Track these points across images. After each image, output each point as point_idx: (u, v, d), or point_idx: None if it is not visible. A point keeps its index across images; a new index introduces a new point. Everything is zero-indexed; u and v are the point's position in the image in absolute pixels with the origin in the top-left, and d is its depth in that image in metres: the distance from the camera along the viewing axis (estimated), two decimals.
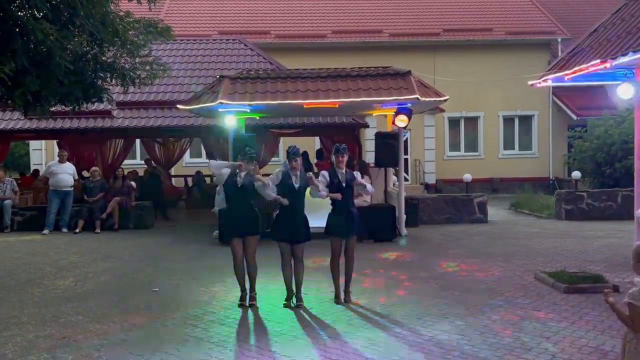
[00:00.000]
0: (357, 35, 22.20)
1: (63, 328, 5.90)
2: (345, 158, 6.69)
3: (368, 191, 6.90)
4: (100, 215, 12.80)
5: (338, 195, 6.54)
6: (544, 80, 8.55)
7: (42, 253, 10.26)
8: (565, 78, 7.91)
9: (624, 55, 6.50)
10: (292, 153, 6.49)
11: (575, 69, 7.53)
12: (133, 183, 13.92)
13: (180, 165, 19.25)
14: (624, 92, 7.27)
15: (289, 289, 6.61)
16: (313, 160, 15.89)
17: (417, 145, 21.34)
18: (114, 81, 8.58)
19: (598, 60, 6.92)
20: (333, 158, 6.72)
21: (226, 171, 6.55)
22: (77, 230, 12.53)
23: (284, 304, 6.58)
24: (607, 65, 6.73)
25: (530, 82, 9.04)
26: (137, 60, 8.78)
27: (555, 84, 10.20)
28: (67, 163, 13.28)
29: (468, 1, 23.94)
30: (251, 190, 6.51)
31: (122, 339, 5.54)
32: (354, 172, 6.89)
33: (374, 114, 13.68)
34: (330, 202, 6.71)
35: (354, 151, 14.84)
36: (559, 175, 22.22)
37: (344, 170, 6.67)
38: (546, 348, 5.12)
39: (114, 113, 15.08)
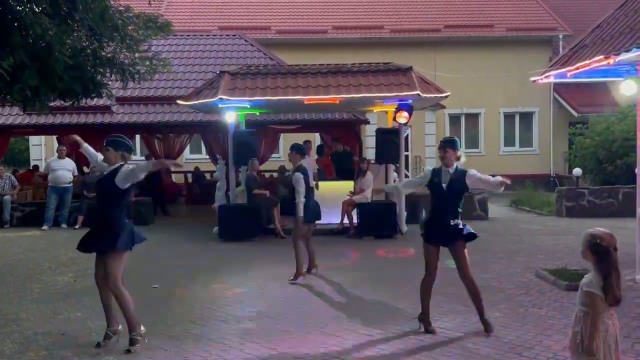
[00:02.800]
0: (358, 31, 22.10)
1: (62, 324, 5.86)
2: (450, 153, 5.43)
3: (491, 183, 5.60)
4: None
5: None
6: (546, 77, 8.51)
7: (42, 249, 10.23)
8: (568, 74, 7.86)
9: (627, 51, 6.44)
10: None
11: (578, 65, 7.48)
12: None
13: (180, 161, 19.18)
14: (626, 88, 7.23)
15: (299, 263, 7.45)
16: (313, 156, 15.82)
17: (418, 142, 21.28)
18: (113, 76, 8.56)
19: (601, 57, 6.87)
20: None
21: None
22: (77, 226, 12.49)
23: (290, 281, 7.36)
24: (611, 61, 6.68)
25: (532, 79, 9.00)
26: (137, 55, 8.74)
27: (557, 81, 10.16)
28: (67, 159, 13.23)
29: None
30: (112, 190, 5.03)
31: (122, 335, 5.50)
32: (470, 170, 5.55)
33: (374, 110, 13.63)
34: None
35: (354, 147, 14.80)
36: (560, 172, 22.17)
37: (451, 169, 5.51)
38: (548, 346, 5.09)
39: (114, 108, 15.03)
